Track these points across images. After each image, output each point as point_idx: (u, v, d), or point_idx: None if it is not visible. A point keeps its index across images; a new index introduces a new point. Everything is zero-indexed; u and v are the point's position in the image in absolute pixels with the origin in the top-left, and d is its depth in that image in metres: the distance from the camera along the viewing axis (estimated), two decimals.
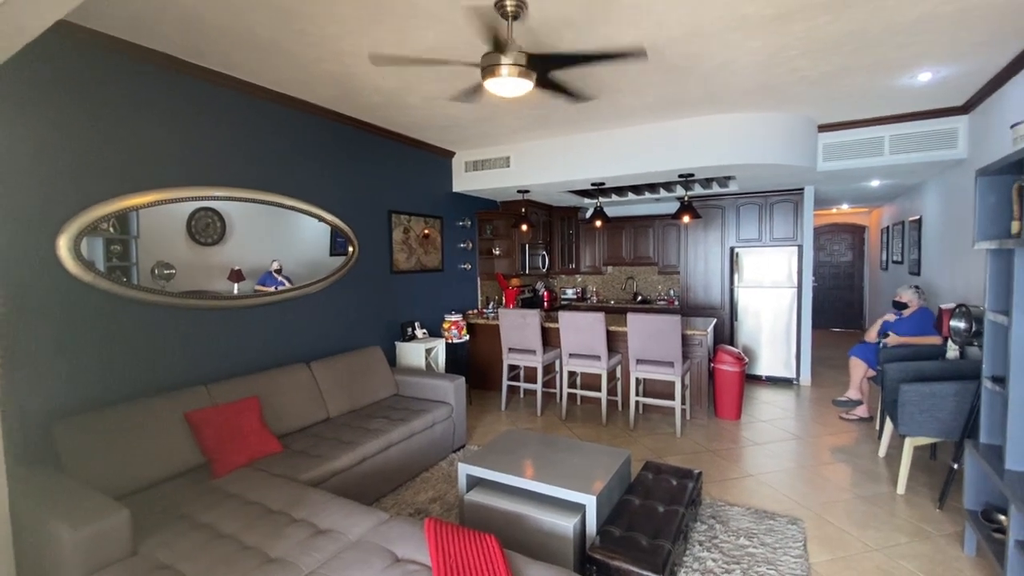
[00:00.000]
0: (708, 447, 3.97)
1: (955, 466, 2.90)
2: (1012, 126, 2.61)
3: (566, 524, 2.25)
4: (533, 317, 4.72)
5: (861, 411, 4.55)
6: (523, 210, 5.90)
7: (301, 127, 3.75)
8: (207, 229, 3.12)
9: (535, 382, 4.99)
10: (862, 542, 2.64)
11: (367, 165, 4.39)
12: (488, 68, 2.29)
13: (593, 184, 5.35)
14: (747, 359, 4.73)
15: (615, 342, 4.85)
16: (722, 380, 4.59)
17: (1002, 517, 2.30)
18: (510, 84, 2.33)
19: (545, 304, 7.18)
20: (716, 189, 5.94)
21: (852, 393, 4.56)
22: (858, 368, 4.51)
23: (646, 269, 7.42)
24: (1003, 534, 2.18)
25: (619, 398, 4.97)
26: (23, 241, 2.32)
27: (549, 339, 5.09)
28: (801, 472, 3.50)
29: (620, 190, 5.93)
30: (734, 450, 3.91)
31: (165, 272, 2.89)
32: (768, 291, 5.88)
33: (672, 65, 3.14)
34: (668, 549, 2.10)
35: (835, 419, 4.58)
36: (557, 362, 5.05)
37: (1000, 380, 2.29)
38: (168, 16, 2.44)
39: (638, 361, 4.41)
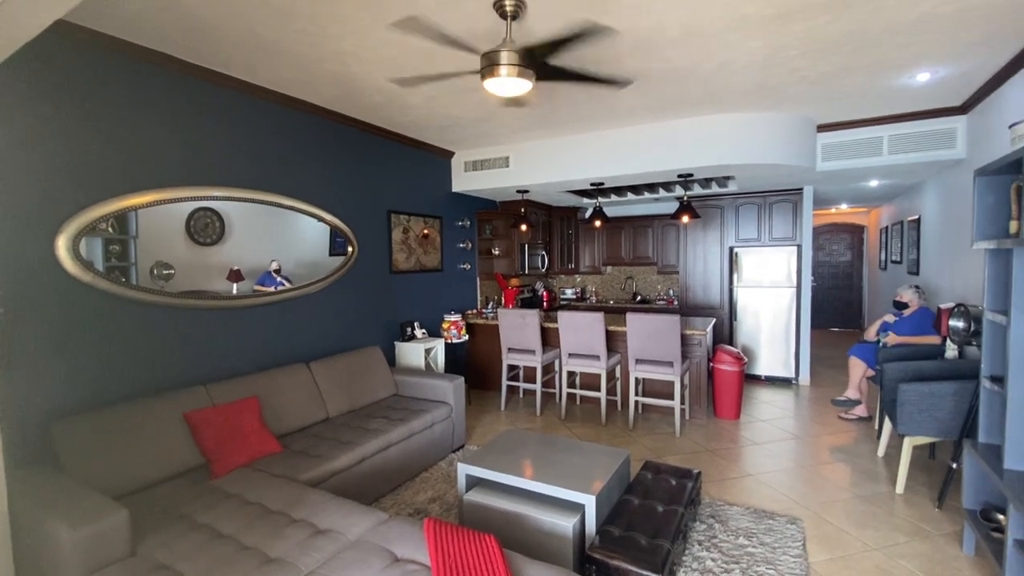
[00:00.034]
0: (707, 447, 3.97)
1: (954, 465, 2.90)
2: (1010, 126, 2.62)
3: (565, 524, 2.25)
4: (532, 317, 4.72)
5: (860, 411, 4.55)
6: (522, 210, 5.90)
7: (301, 127, 3.75)
8: (206, 229, 3.11)
9: (534, 382, 4.99)
10: (861, 541, 2.65)
11: (367, 165, 4.39)
12: (487, 68, 2.29)
13: (592, 184, 5.35)
14: (746, 359, 4.73)
15: (614, 342, 4.85)
16: (721, 380, 4.60)
17: (1001, 516, 2.30)
18: (509, 84, 2.33)
19: (544, 304, 7.18)
20: (715, 189, 5.94)
21: (851, 393, 4.56)
22: (857, 368, 4.51)
23: (645, 269, 7.43)
24: (1002, 533, 2.19)
25: (618, 398, 4.98)
26: (22, 241, 2.32)
27: (548, 339, 5.09)
28: (800, 472, 3.50)
29: (619, 190, 5.93)
30: (733, 450, 3.91)
31: (164, 272, 2.89)
32: (767, 291, 5.88)
33: (671, 65, 3.14)
34: (667, 549, 2.10)
35: (834, 419, 4.59)
36: (556, 362, 5.06)
37: (999, 380, 2.29)
38: (168, 16, 2.43)
39: (637, 361, 4.41)
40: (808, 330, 5.82)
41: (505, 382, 5.05)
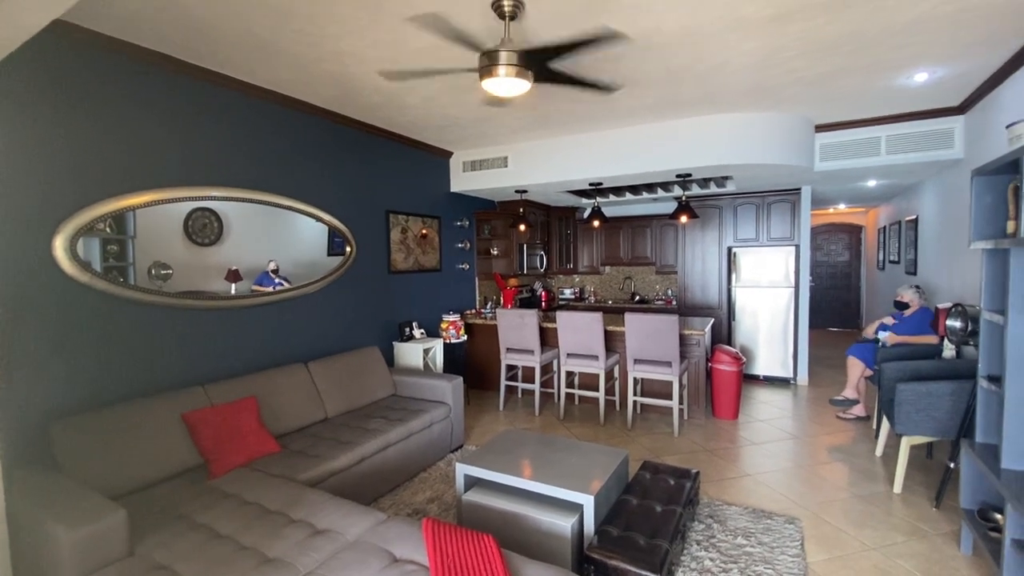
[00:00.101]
0: (706, 447, 3.98)
1: (951, 465, 2.91)
2: (1008, 126, 2.64)
3: (564, 524, 2.26)
4: (531, 317, 4.72)
5: (858, 410, 4.56)
6: (521, 210, 5.90)
7: (299, 127, 3.74)
8: (204, 229, 3.11)
9: (533, 382, 4.99)
10: (859, 541, 2.65)
11: (365, 165, 4.38)
12: (485, 68, 2.30)
13: (591, 184, 5.35)
14: (744, 359, 4.73)
15: (613, 342, 4.86)
16: (720, 380, 4.60)
17: (998, 516, 2.31)
18: (507, 84, 2.33)
19: (543, 304, 7.18)
20: (713, 189, 5.95)
21: (849, 392, 4.57)
22: (856, 367, 4.52)
23: (644, 269, 7.43)
24: (999, 533, 2.19)
25: (617, 398, 4.98)
26: (19, 241, 2.31)
27: (547, 339, 5.09)
28: (798, 471, 3.51)
29: (618, 190, 5.94)
30: (731, 450, 3.91)
31: (162, 272, 2.88)
32: (765, 291, 5.89)
33: (670, 65, 3.15)
34: (666, 548, 2.11)
35: (832, 418, 4.59)
36: (555, 362, 5.06)
37: (996, 379, 2.30)
38: (167, 16, 2.43)
39: (636, 361, 4.41)
40: (806, 330, 5.83)
41: (504, 382, 5.05)
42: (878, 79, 3.44)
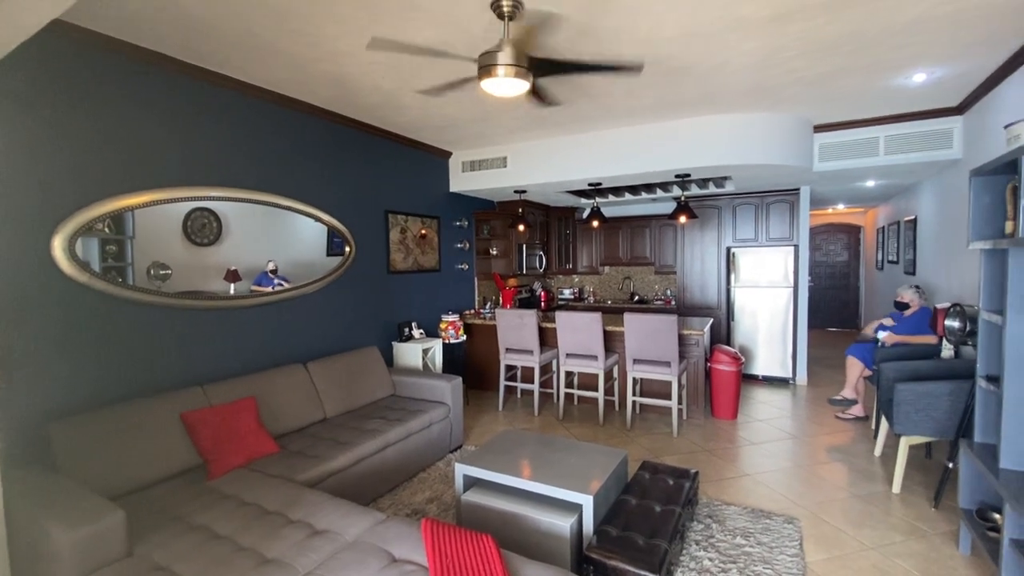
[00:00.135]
0: (705, 447, 3.98)
1: (950, 465, 2.91)
2: (1006, 126, 2.64)
3: (563, 524, 2.26)
4: (530, 317, 4.72)
5: (857, 410, 4.57)
6: (520, 210, 5.90)
7: (298, 127, 3.74)
8: (203, 229, 3.11)
9: (532, 382, 4.99)
10: (858, 541, 2.65)
11: (364, 165, 4.38)
12: (484, 68, 2.30)
13: (590, 184, 5.36)
14: (743, 359, 4.74)
15: (612, 342, 4.86)
16: (719, 380, 4.61)
17: (997, 516, 2.31)
18: (506, 84, 2.33)
19: (542, 304, 7.18)
20: (712, 189, 5.95)
21: (847, 392, 4.58)
22: (855, 367, 4.53)
23: (643, 269, 7.44)
24: (997, 533, 2.19)
25: (616, 398, 4.98)
26: (18, 241, 2.31)
27: (546, 339, 5.09)
28: (797, 471, 3.51)
29: (617, 190, 5.94)
30: (730, 450, 3.92)
31: (161, 272, 2.88)
32: (764, 291, 5.89)
33: (669, 66, 3.15)
34: (665, 548, 2.11)
35: (831, 418, 4.60)
36: (554, 362, 5.06)
37: (994, 379, 2.30)
38: (166, 16, 2.43)
39: (635, 361, 4.41)
40: (805, 330, 5.84)
41: (503, 382, 5.05)
42: (878, 79, 3.44)
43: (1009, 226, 2.21)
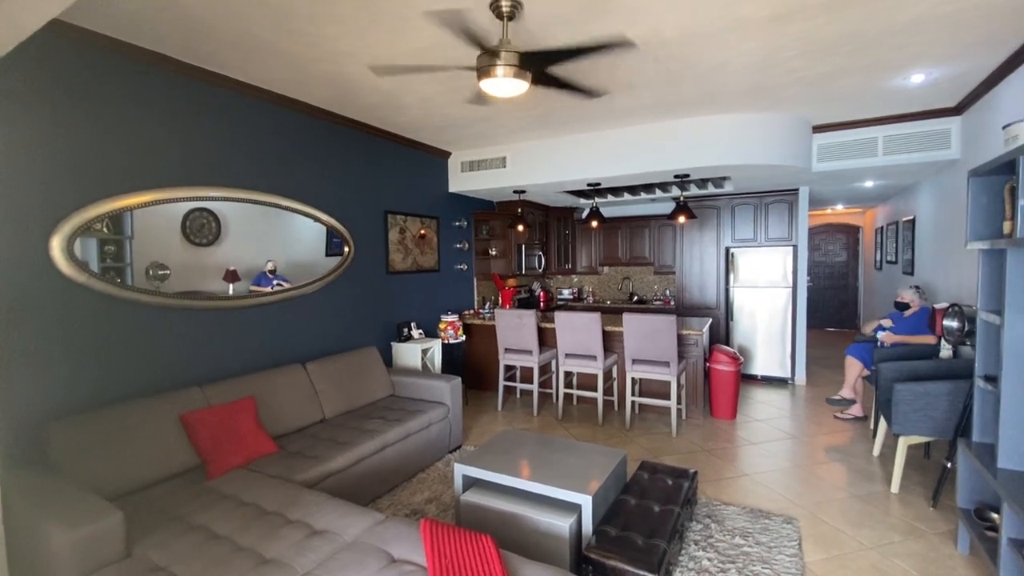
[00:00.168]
0: (704, 447, 3.98)
1: (948, 465, 2.92)
2: (1004, 127, 2.64)
3: (562, 524, 2.26)
4: (529, 317, 4.72)
5: (855, 410, 4.57)
6: (519, 210, 5.90)
7: (298, 127, 3.74)
8: (202, 230, 3.10)
9: (531, 382, 4.99)
10: (856, 541, 2.66)
11: (363, 166, 4.38)
12: (483, 69, 2.30)
13: (589, 184, 5.36)
14: (742, 359, 4.74)
15: (611, 342, 4.86)
16: (718, 380, 4.61)
17: (995, 515, 2.31)
18: (505, 84, 2.33)
19: (541, 304, 7.18)
20: (711, 189, 5.96)
21: (846, 392, 4.58)
22: (853, 367, 4.53)
23: (642, 269, 7.44)
24: (996, 532, 2.20)
25: (615, 398, 4.98)
26: (16, 241, 2.30)
27: (545, 339, 5.09)
28: (796, 471, 3.51)
29: (616, 190, 5.94)
30: (729, 450, 3.92)
31: (160, 273, 2.87)
32: (763, 291, 5.90)
33: (668, 66, 3.15)
34: (664, 548, 2.11)
35: (830, 418, 4.60)
36: (553, 362, 5.06)
37: (992, 379, 2.30)
38: (166, 16, 2.43)
39: (634, 361, 4.42)
40: (804, 330, 5.85)
41: (502, 382, 5.05)
42: (876, 79, 3.45)
43: (1007, 226, 2.21)
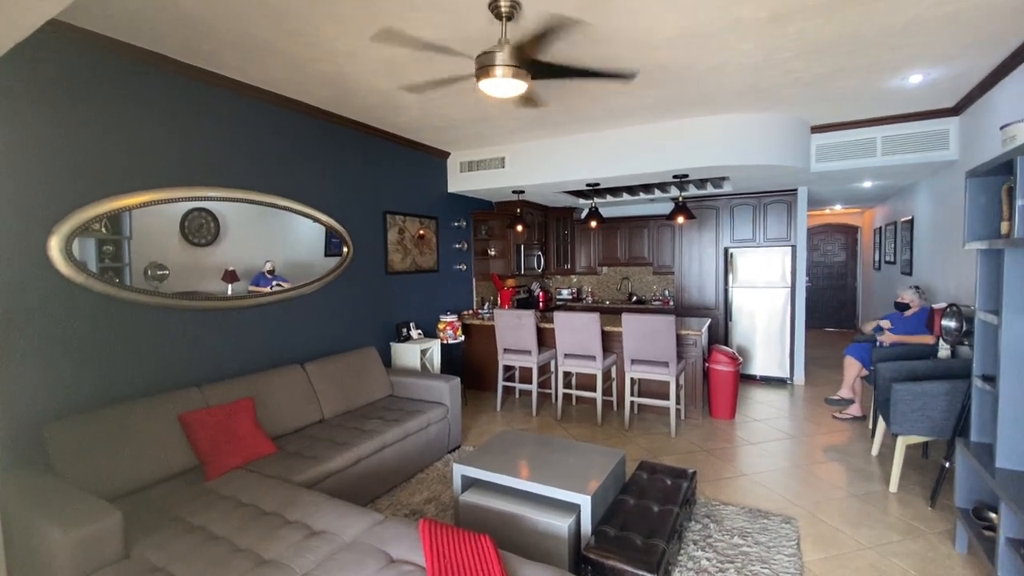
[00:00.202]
0: (703, 447, 3.99)
1: (947, 464, 2.92)
2: (1001, 127, 2.65)
3: (561, 524, 2.26)
4: (528, 318, 4.72)
5: (854, 410, 4.58)
6: (518, 211, 5.90)
7: (296, 128, 3.73)
8: (201, 230, 3.10)
9: (530, 383, 4.99)
10: (855, 540, 2.66)
11: (362, 166, 4.38)
12: (482, 69, 2.30)
13: (588, 185, 5.36)
14: (741, 359, 4.75)
15: (610, 342, 4.86)
16: (716, 380, 4.61)
17: (993, 515, 2.32)
18: (504, 85, 2.33)
19: (540, 305, 7.18)
20: (710, 190, 5.96)
21: (844, 392, 4.59)
22: (852, 367, 4.54)
23: (641, 269, 7.44)
24: (994, 531, 2.20)
25: (614, 398, 4.98)
26: (14, 242, 2.30)
27: (544, 340, 5.09)
28: (795, 471, 3.52)
29: (615, 191, 5.95)
30: (728, 450, 3.92)
31: (158, 273, 2.87)
32: (762, 291, 5.91)
33: (667, 66, 3.15)
34: (662, 548, 2.11)
35: (828, 418, 4.61)
36: (552, 362, 5.06)
37: (990, 379, 2.31)
38: (165, 16, 2.42)
39: (633, 361, 4.42)
40: (803, 330, 5.85)
41: (501, 383, 5.05)
42: (874, 80, 3.45)
43: (1004, 227, 2.22)
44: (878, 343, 4.27)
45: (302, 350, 3.77)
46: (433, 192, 5.40)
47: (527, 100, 2.92)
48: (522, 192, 5.84)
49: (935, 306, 4.05)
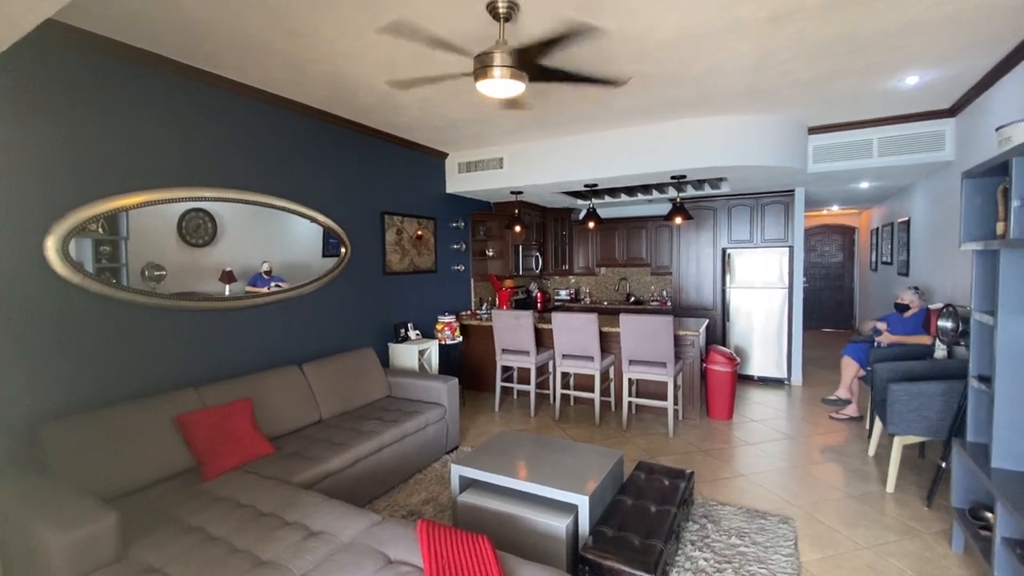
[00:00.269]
0: (700, 447, 3.99)
1: (943, 464, 2.93)
2: (997, 129, 2.65)
3: (559, 524, 2.26)
4: (526, 318, 4.72)
5: (851, 410, 4.59)
6: (516, 211, 5.90)
7: (294, 128, 3.73)
8: (198, 230, 3.10)
9: (528, 383, 4.99)
10: (852, 540, 2.67)
11: (360, 166, 4.38)
12: (480, 69, 2.30)
13: (586, 185, 5.37)
14: (739, 359, 4.76)
15: (608, 343, 4.86)
16: (714, 380, 4.62)
17: (989, 515, 2.33)
18: (502, 85, 2.34)
19: (538, 305, 7.18)
20: (708, 191, 5.97)
21: (841, 392, 4.60)
22: (850, 368, 4.55)
23: (639, 270, 7.45)
24: (990, 531, 2.21)
25: (612, 399, 4.99)
26: (10, 242, 2.29)
27: (542, 340, 5.09)
28: (792, 471, 3.52)
29: (613, 191, 5.96)
30: (726, 450, 3.93)
31: (155, 273, 2.87)
32: (759, 292, 5.92)
33: (666, 67, 3.16)
34: (660, 549, 2.11)
35: (826, 419, 4.62)
36: (550, 363, 5.06)
37: (986, 379, 2.32)
38: (164, 17, 2.42)
39: (631, 362, 4.42)
40: (800, 331, 5.87)
41: (499, 383, 5.05)
42: (871, 81, 3.47)
43: (1000, 227, 2.23)
44: (876, 343, 4.28)
45: (300, 351, 3.76)
46: (431, 193, 5.40)
47: (512, 103, 2.93)
48: (520, 193, 5.84)
49: (931, 307, 4.06)
